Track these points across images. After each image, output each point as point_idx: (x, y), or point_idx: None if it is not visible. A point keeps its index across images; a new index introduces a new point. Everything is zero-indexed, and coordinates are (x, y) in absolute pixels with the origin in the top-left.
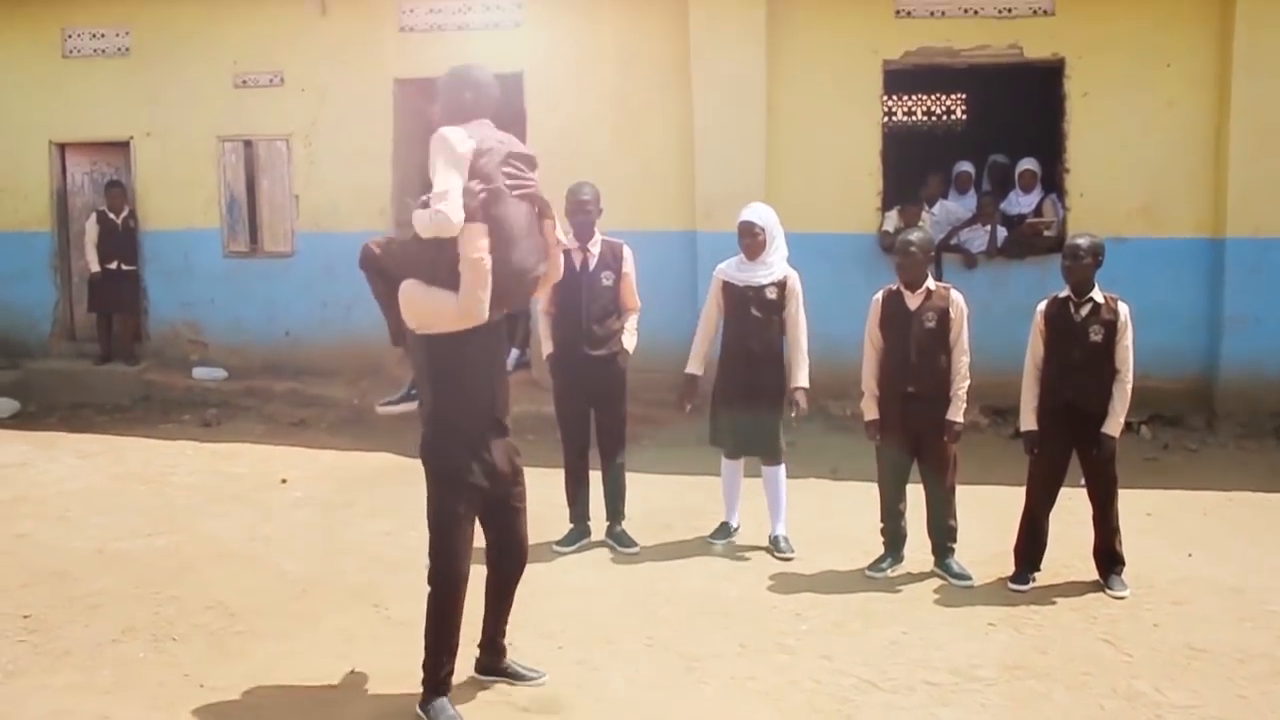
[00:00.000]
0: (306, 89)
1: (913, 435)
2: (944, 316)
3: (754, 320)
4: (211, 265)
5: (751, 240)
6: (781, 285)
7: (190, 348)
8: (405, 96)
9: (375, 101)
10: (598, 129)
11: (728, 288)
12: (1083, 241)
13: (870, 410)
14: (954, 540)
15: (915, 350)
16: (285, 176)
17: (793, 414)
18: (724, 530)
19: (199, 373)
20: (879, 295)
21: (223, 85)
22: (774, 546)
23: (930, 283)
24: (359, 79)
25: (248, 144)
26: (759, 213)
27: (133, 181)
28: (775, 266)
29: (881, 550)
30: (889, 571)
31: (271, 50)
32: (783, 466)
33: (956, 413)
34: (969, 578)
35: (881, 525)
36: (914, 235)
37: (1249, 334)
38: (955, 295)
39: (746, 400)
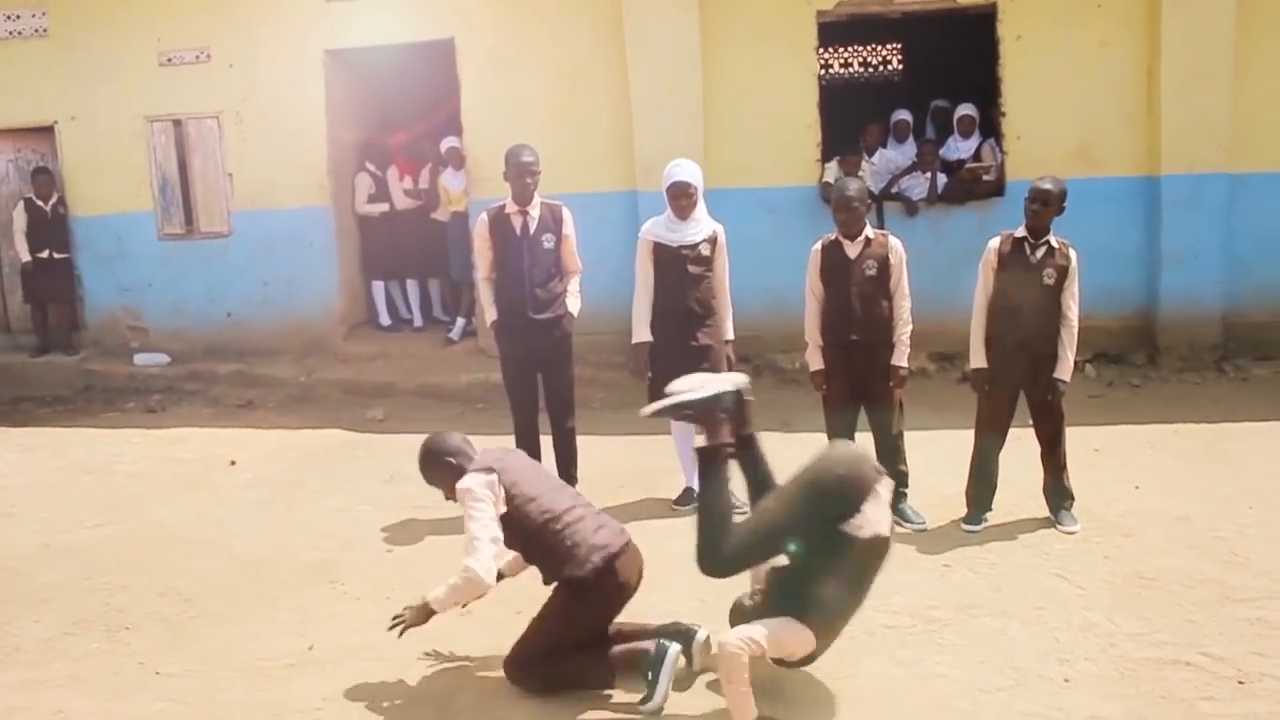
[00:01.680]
0: (235, 64)
1: (858, 383)
2: (884, 263)
3: (690, 278)
4: (147, 249)
5: (688, 200)
6: (713, 240)
7: (130, 334)
8: (336, 68)
9: (306, 74)
10: (532, 93)
11: (660, 249)
12: (1051, 186)
13: (815, 361)
14: (906, 485)
15: (857, 299)
16: (217, 155)
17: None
18: (688, 496)
19: (140, 359)
20: (817, 246)
21: (147, 64)
22: (683, 497)
23: (869, 230)
24: (288, 52)
25: (177, 123)
26: (692, 171)
27: (60, 167)
28: (704, 222)
29: None
30: None
31: (196, 26)
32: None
33: (901, 358)
34: (922, 521)
35: None
36: (851, 186)
37: (1187, 269)
38: (894, 241)
39: (689, 360)
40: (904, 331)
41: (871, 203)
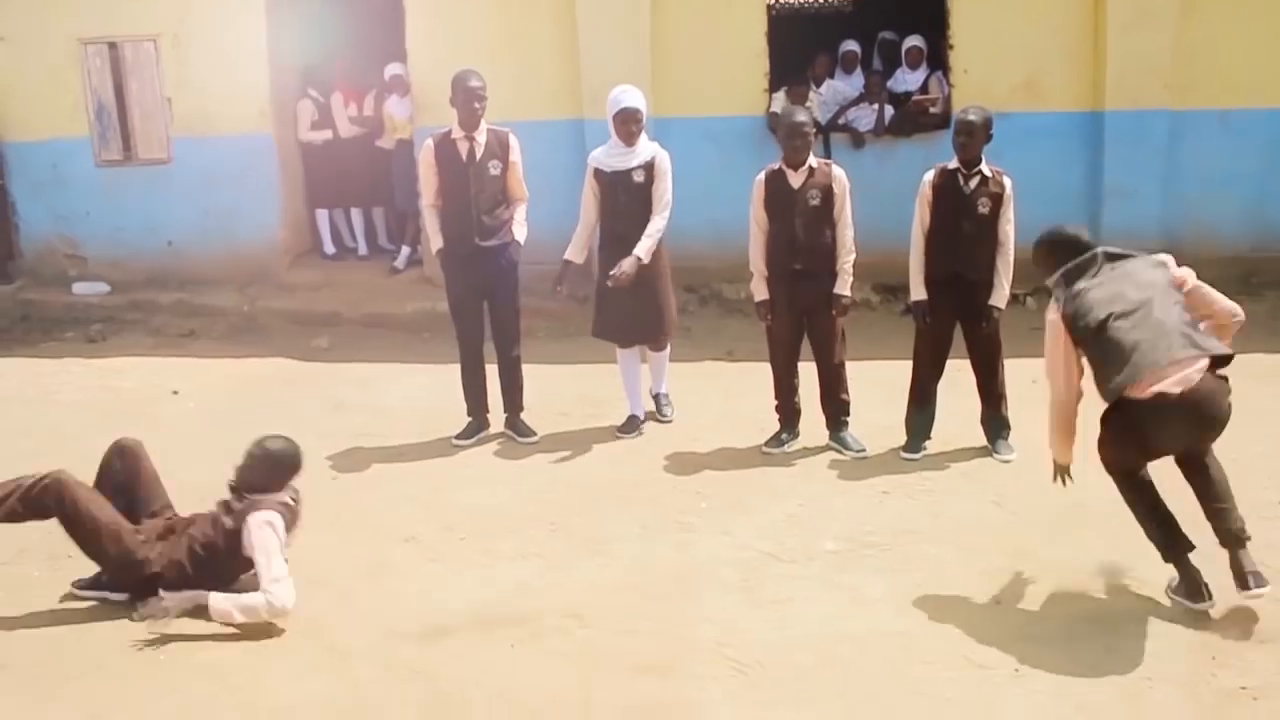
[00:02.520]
0: None
1: (802, 312)
2: (828, 193)
3: (624, 205)
4: (84, 176)
5: (637, 126)
6: (649, 166)
7: (68, 263)
8: None
9: None
10: (478, 20)
11: (600, 175)
12: (975, 116)
13: (760, 291)
14: (847, 414)
15: (801, 229)
16: (155, 79)
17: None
18: (632, 424)
19: (79, 288)
20: (761, 176)
21: None
22: (655, 405)
23: (812, 160)
24: None
25: (112, 46)
26: (639, 98)
27: None
28: (643, 149)
29: (777, 427)
30: (785, 448)
31: None
32: (666, 352)
33: (844, 286)
34: (863, 449)
35: (776, 403)
36: (799, 113)
37: (1128, 205)
38: (837, 171)
39: (627, 287)
40: (846, 260)
41: (819, 132)
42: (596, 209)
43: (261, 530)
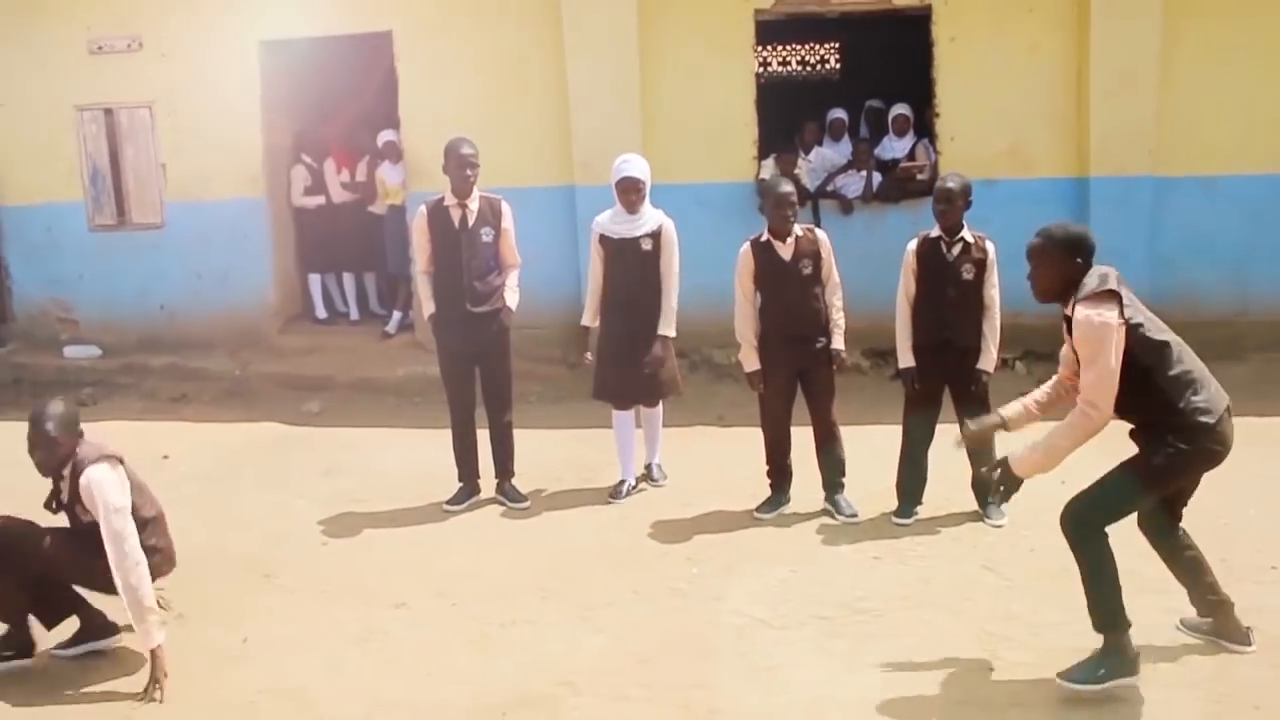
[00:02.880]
0: (167, 54)
1: (796, 373)
2: (817, 260)
3: (631, 271)
4: (77, 240)
5: (636, 195)
6: (656, 235)
7: (60, 326)
8: (272, 59)
9: (241, 64)
10: (471, 87)
11: (605, 241)
12: (954, 184)
13: (751, 361)
14: (844, 473)
15: (797, 297)
16: (150, 145)
17: (646, 359)
18: (621, 488)
19: (71, 351)
20: (745, 248)
21: (77, 52)
22: (648, 474)
23: (796, 228)
24: (223, 42)
25: (108, 112)
26: (641, 167)
27: None
28: (649, 216)
29: (769, 492)
30: (778, 512)
31: (128, 14)
32: (659, 410)
33: (840, 342)
34: (855, 514)
35: (768, 468)
36: (784, 184)
37: (1114, 268)
38: (821, 235)
39: (630, 350)
40: (839, 317)
41: (807, 200)
42: (600, 273)
43: (92, 489)
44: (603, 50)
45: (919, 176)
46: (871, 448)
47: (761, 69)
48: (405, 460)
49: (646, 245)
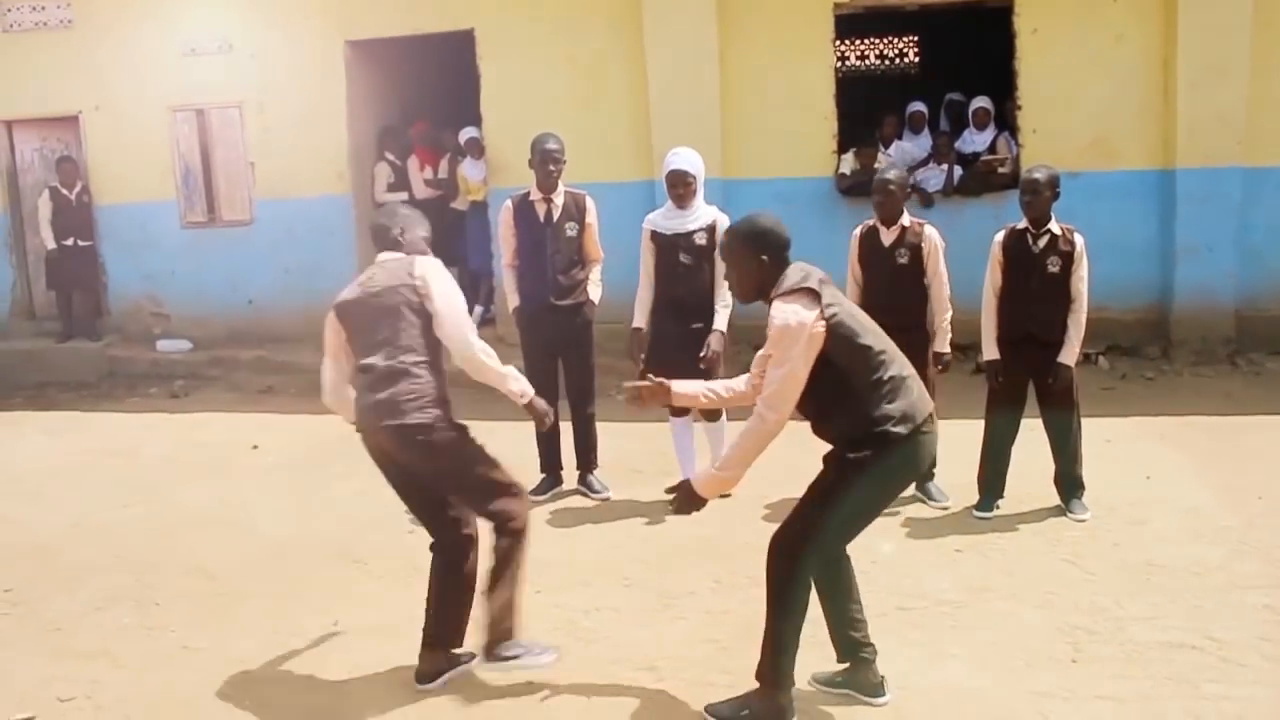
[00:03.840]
0: (256, 55)
1: None
2: (916, 252)
3: (683, 268)
4: (169, 237)
5: (685, 189)
6: (711, 230)
7: (153, 321)
8: (357, 58)
9: (327, 64)
10: (551, 84)
11: (656, 237)
12: (1040, 175)
13: None
14: (934, 465)
15: (889, 285)
16: (240, 144)
17: (701, 354)
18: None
19: (163, 345)
20: (857, 231)
21: (171, 54)
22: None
23: (905, 219)
24: (309, 42)
25: (199, 113)
26: (690, 160)
27: (84, 156)
28: (701, 211)
29: None
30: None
31: (218, 17)
32: (724, 422)
33: (942, 344)
34: (947, 500)
35: None
36: (890, 171)
37: (1200, 263)
38: (929, 230)
39: (681, 351)
40: (943, 318)
41: (911, 191)
42: (652, 271)
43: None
44: (682, 45)
45: (1000, 170)
46: (952, 441)
47: (840, 63)
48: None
49: (700, 240)
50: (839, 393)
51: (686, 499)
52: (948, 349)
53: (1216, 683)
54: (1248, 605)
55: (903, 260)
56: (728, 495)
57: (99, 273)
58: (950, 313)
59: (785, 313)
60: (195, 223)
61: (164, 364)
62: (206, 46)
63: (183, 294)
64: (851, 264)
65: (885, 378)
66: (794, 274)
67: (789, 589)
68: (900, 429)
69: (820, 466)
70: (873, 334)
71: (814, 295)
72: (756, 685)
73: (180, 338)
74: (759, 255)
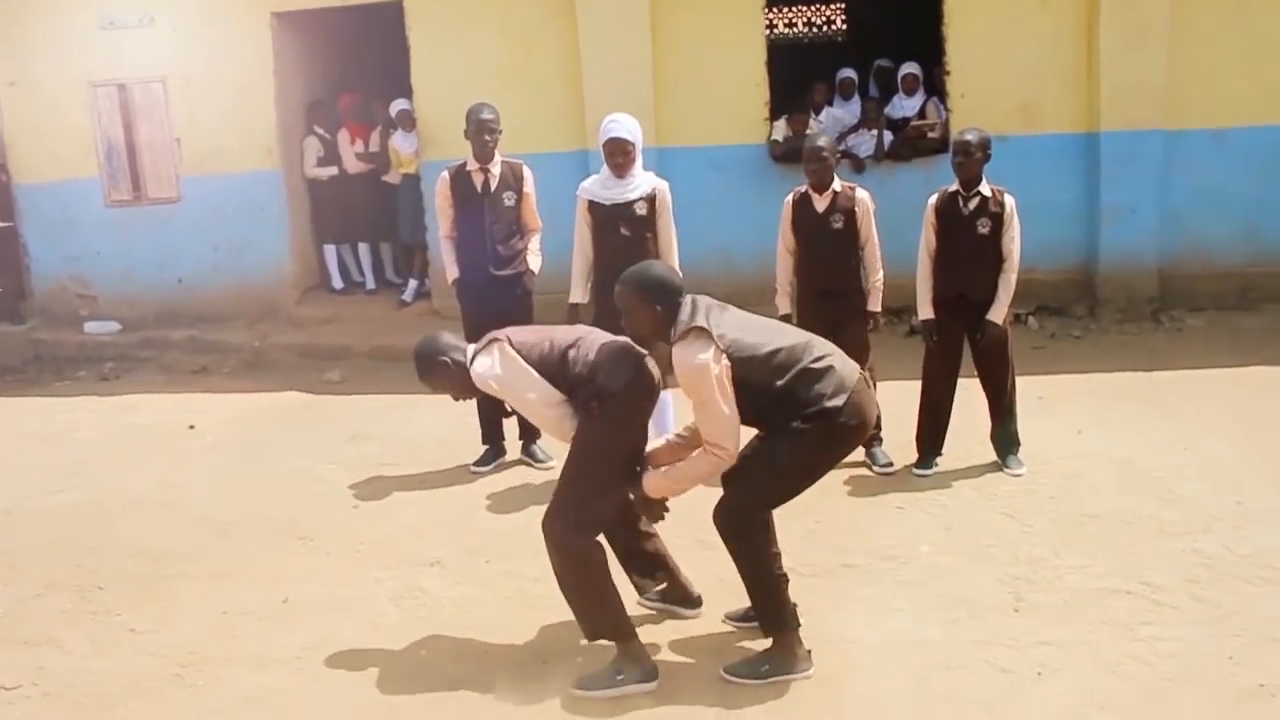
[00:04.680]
0: (179, 28)
1: (829, 327)
2: (850, 216)
3: (624, 240)
4: (94, 216)
5: (625, 158)
6: (651, 199)
7: (79, 302)
8: (284, 30)
9: (253, 37)
10: (482, 55)
11: (595, 208)
12: (972, 137)
13: (783, 305)
14: (880, 425)
15: (825, 250)
16: (164, 120)
17: None
18: None
19: (91, 327)
20: (789, 199)
21: (89, 28)
22: None
23: (836, 184)
24: (234, 14)
25: (121, 88)
26: (629, 126)
27: (0, 134)
28: (640, 180)
29: None
30: None
31: None
32: (669, 392)
33: (875, 304)
34: (891, 464)
35: None
36: (820, 138)
37: (1125, 224)
38: (861, 194)
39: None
40: (875, 279)
41: (842, 157)
42: (592, 244)
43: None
44: (614, 14)
45: (930, 134)
46: (889, 401)
47: (770, 31)
48: (429, 425)
49: (641, 210)
50: (769, 398)
51: (646, 504)
52: (879, 308)
53: (1150, 624)
54: (1177, 550)
55: (837, 225)
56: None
57: (20, 254)
58: (880, 274)
59: (686, 360)
60: (120, 201)
61: (92, 346)
62: (126, 20)
63: (109, 274)
64: (784, 231)
65: (806, 367)
66: (684, 315)
67: (751, 545)
68: (836, 401)
69: None
70: (771, 335)
71: (705, 333)
72: (770, 642)
73: (108, 319)
74: (653, 306)
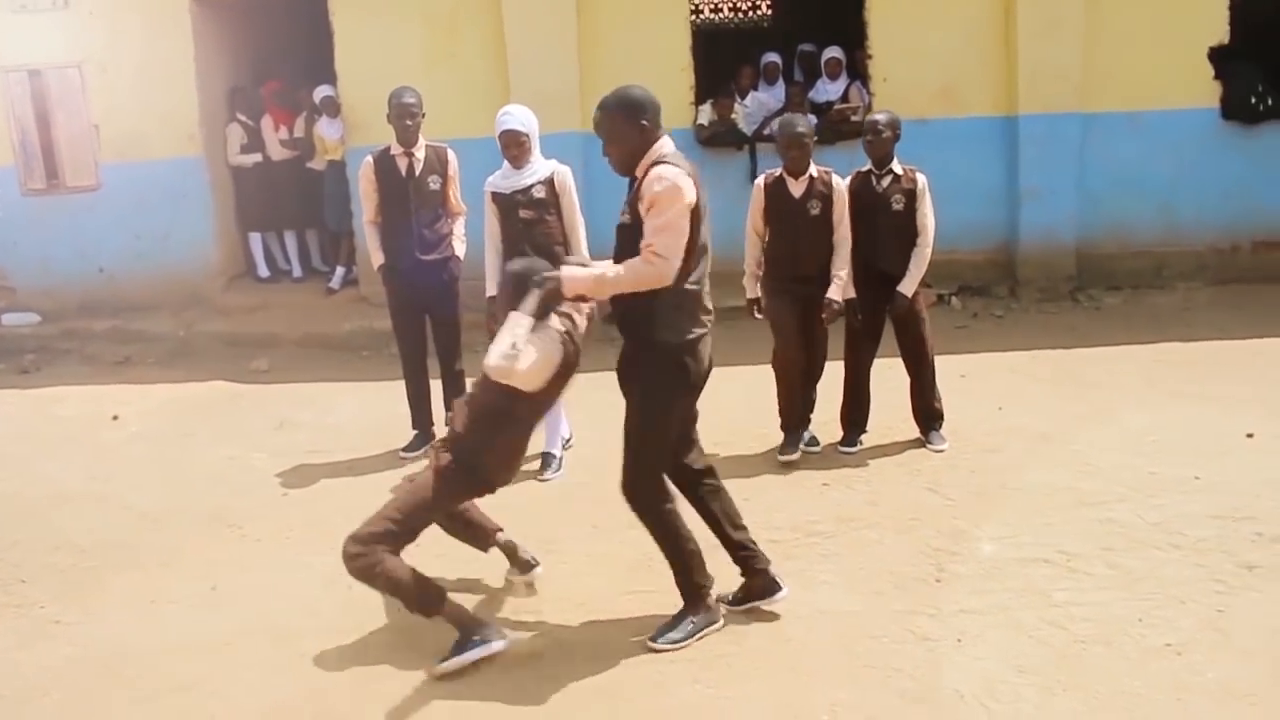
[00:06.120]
0: (94, 11)
1: (802, 315)
2: (827, 202)
3: (523, 223)
4: (9, 205)
5: (519, 149)
6: (549, 182)
7: None
8: (204, 14)
9: (173, 20)
10: (407, 40)
11: (497, 198)
12: (881, 117)
13: (751, 288)
14: (811, 409)
15: (804, 238)
16: (81, 106)
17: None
18: (549, 461)
19: (9, 319)
20: (760, 182)
21: (1, 12)
22: (543, 463)
23: (813, 169)
24: None
25: (34, 74)
26: (521, 118)
27: None
28: (538, 165)
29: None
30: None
31: None
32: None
33: (835, 291)
34: (817, 444)
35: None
36: (800, 122)
37: (1043, 205)
38: (837, 180)
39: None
40: (840, 268)
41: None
42: (497, 235)
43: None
44: (538, 1)
45: (853, 118)
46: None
47: (695, 16)
48: (358, 412)
49: (539, 193)
50: (672, 295)
51: (554, 289)
52: (840, 297)
53: (1066, 590)
54: (1092, 520)
55: (814, 212)
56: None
57: None
58: (848, 265)
59: (667, 175)
60: (36, 190)
61: (10, 338)
62: (39, 3)
63: (27, 264)
64: (754, 218)
65: (687, 288)
66: (670, 145)
67: (657, 517)
68: (673, 337)
69: None
70: (707, 247)
71: (690, 178)
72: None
73: (27, 310)
74: (639, 120)
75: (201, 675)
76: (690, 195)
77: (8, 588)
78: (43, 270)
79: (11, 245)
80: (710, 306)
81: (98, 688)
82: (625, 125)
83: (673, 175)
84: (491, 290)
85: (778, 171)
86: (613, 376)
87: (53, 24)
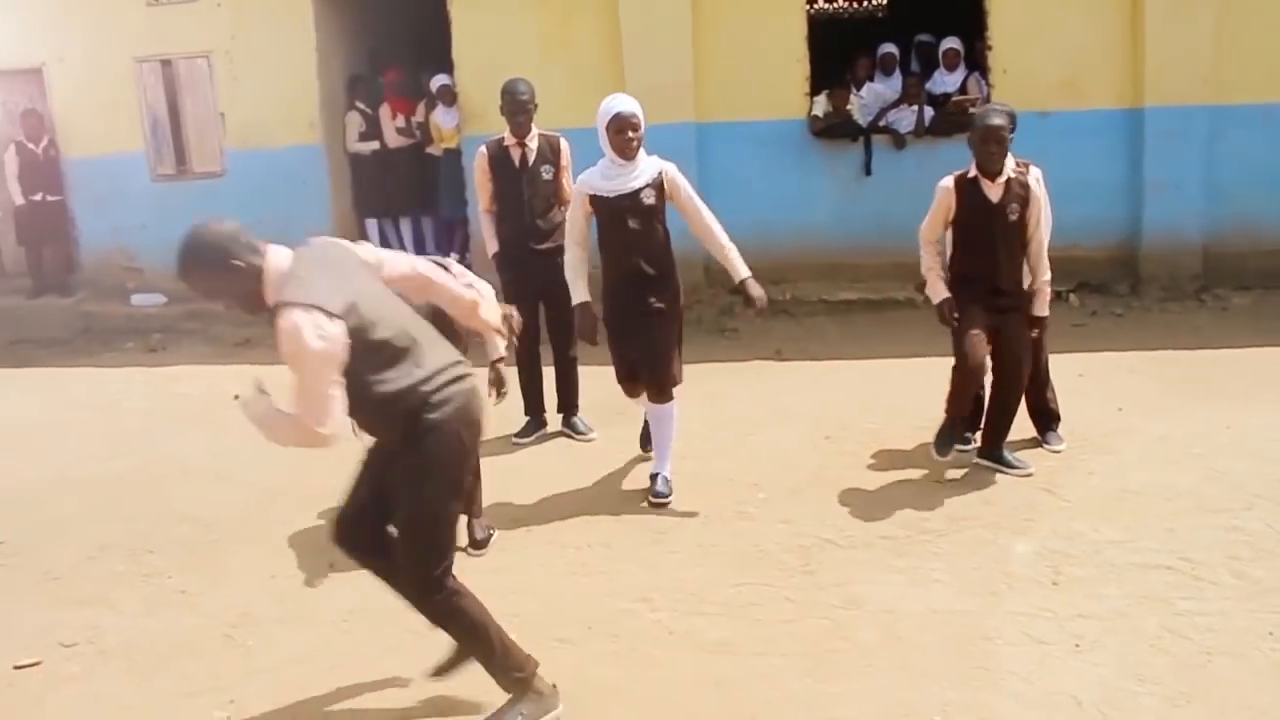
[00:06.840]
0: (223, 3)
1: (995, 328)
2: (1024, 205)
3: (634, 234)
4: (140, 189)
5: (635, 134)
6: (659, 186)
7: (126, 275)
8: (326, 5)
9: (296, 11)
10: (523, 29)
11: (596, 201)
12: (998, 120)
13: (940, 290)
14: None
15: (1002, 248)
16: (209, 94)
17: (752, 311)
18: (659, 486)
19: (137, 299)
20: (949, 183)
21: (134, 4)
22: (651, 486)
23: (1010, 168)
24: None
25: (166, 63)
26: (635, 104)
27: (49, 109)
28: (645, 165)
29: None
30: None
31: None
32: (673, 404)
33: (1041, 307)
34: (968, 443)
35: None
36: (998, 118)
37: (1169, 200)
38: (1035, 173)
39: (641, 325)
40: (1043, 280)
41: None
42: (588, 236)
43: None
44: None
45: (971, 110)
46: (929, 378)
47: (810, 6)
48: None
49: (649, 199)
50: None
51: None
52: (1046, 312)
53: (1190, 599)
54: (1217, 527)
55: (1013, 217)
56: None
57: (69, 227)
58: (1049, 274)
59: (287, 324)
60: (165, 175)
61: (139, 318)
62: None
63: (155, 247)
64: (934, 223)
65: (393, 384)
66: (284, 262)
67: (451, 617)
68: (434, 417)
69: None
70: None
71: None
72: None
73: (154, 292)
74: (227, 262)
75: (318, 649)
76: (316, 342)
77: (137, 557)
78: (169, 253)
79: (141, 228)
80: (434, 359)
81: (221, 656)
82: (215, 277)
83: (293, 324)
84: (580, 297)
85: (970, 171)
86: (713, 369)
87: (183, 16)
